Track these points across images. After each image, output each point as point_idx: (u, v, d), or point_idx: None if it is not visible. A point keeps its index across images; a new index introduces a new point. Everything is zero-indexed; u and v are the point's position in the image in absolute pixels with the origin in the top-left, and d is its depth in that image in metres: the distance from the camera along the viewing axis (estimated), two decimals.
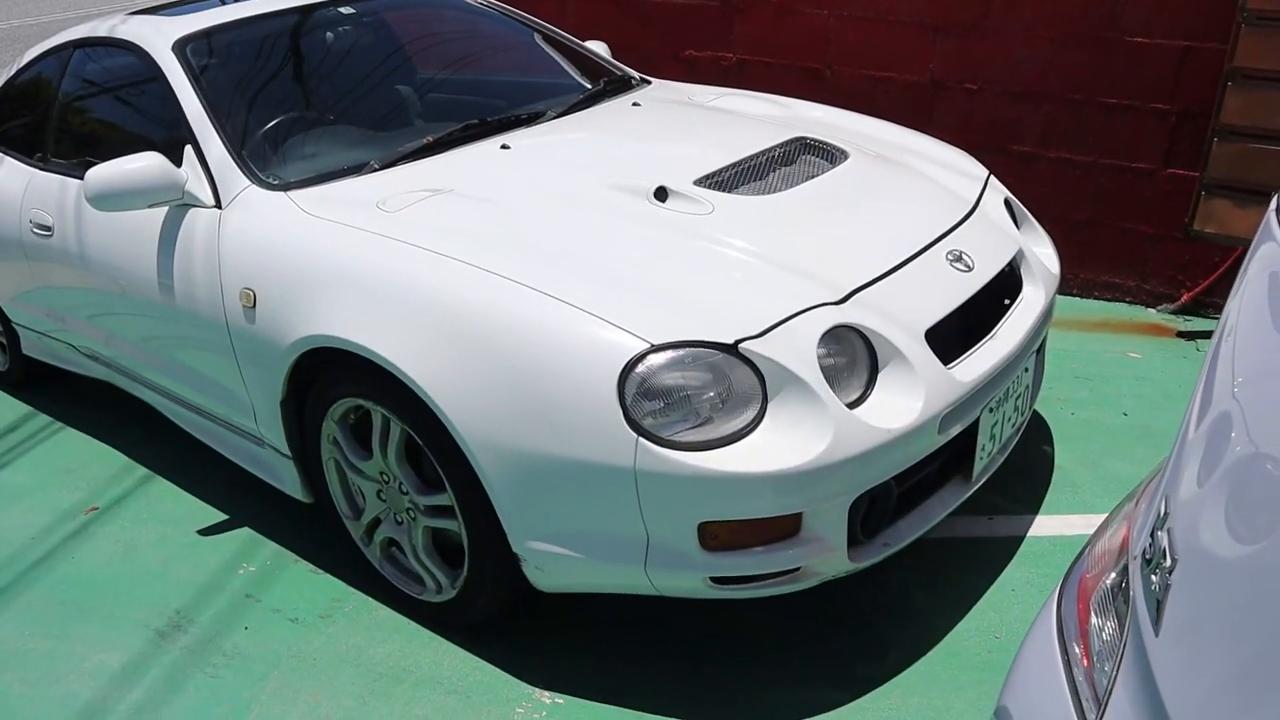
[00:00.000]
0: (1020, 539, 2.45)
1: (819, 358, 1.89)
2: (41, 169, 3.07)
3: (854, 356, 1.95)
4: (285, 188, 2.41)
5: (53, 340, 3.32)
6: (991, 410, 2.15)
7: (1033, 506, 2.56)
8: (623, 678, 2.14)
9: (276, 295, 2.24)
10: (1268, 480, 0.93)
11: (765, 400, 1.85)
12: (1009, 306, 2.28)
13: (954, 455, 2.15)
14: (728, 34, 3.90)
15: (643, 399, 1.81)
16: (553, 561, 1.97)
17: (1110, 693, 1.11)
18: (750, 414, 1.84)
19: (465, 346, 1.92)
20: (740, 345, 1.85)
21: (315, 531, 2.72)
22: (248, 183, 2.44)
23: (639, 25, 4.04)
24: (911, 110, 3.64)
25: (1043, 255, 2.50)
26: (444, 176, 2.40)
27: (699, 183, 2.28)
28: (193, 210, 2.49)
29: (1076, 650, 1.25)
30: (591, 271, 1.98)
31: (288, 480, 2.55)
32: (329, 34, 3.05)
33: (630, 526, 1.87)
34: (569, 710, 2.07)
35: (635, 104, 2.89)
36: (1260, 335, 1.07)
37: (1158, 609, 1.04)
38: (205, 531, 2.79)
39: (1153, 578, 1.08)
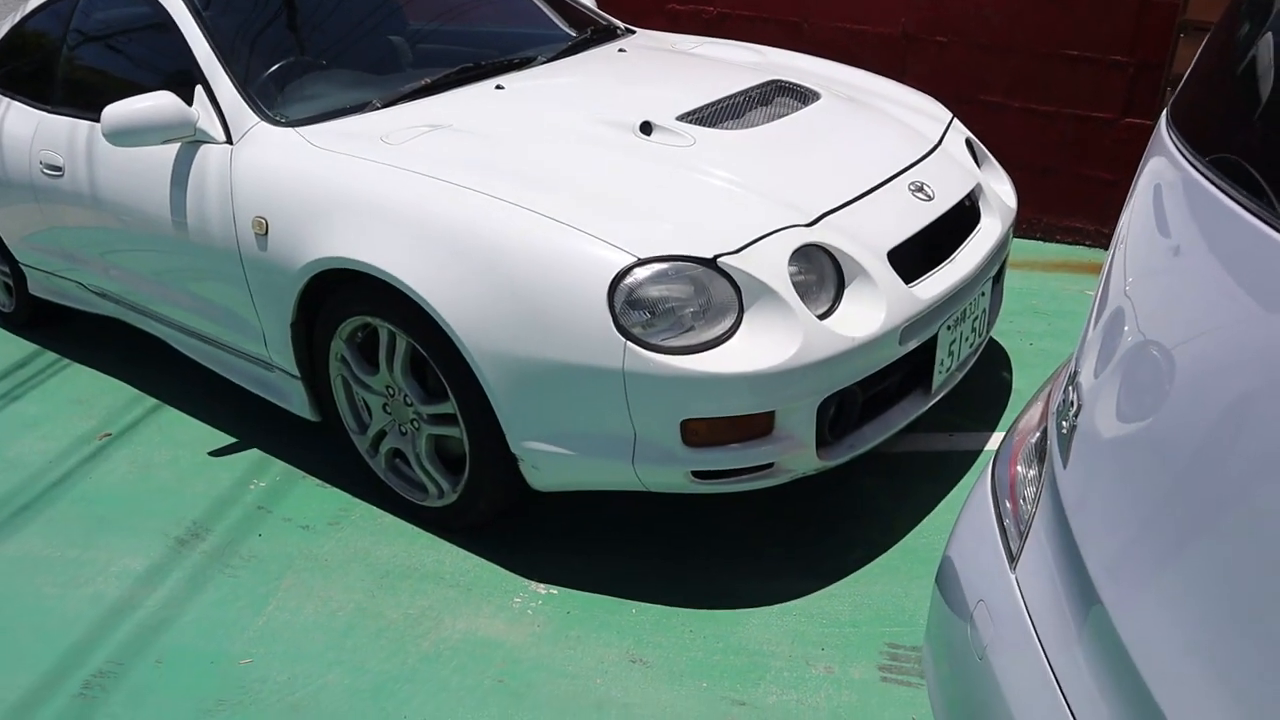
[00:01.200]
0: (978, 452, 2.67)
1: (790, 274, 2.09)
2: (50, 112, 3.21)
3: (822, 273, 2.16)
4: (293, 124, 2.58)
5: (61, 279, 3.48)
6: (949, 328, 2.36)
7: (991, 425, 2.78)
8: (611, 571, 2.36)
9: (288, 223, 2.41)
10: (1153, 363, 1.13)
11: (741, 310, 2.05)
12: (967, 235, 2.48)
13: (915, 370, 2.37)
14: None
15: (630, 308, 2.01)
16: (548, 460, 2.17)
17: (1030, 525, 1.33)
18: (728, 322, 2.04)
19: (468, 263, 2.11)
20: (719, 260, 2.04)
21: (320, 449, 2.91)
22: (257, 120, 2.61)
23: None
24: (885, 62, 3.82)
25: (1000, 191, 2.71)
26: (442, 113, 2.58)
27: (681, 118, 2.47)
28: (204, 146, 2.66)
29: (1007, 505, 1.47)
30: (583, 195, 2.17)
31: (295, 400, 2.73)
32: None
33: (619, 425, 2.07)
34: (561, 599, 2.29)
35: (621, 50, 3.07)
36: (1146, 238, 1.27)
37: (1066, 446, 1.25)
38: (216, 453, 2.98)
39: (1063, 423, 1.29)
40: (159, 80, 2.88)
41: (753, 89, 2.68)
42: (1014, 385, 2.96)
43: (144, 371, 3.48)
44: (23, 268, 3.65)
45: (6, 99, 3.41)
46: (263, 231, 2.47)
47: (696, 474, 2.12)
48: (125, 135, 2.60)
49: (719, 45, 3.21)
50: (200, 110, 2.67)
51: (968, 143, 2.76)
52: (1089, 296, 3.45)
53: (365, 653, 2.19)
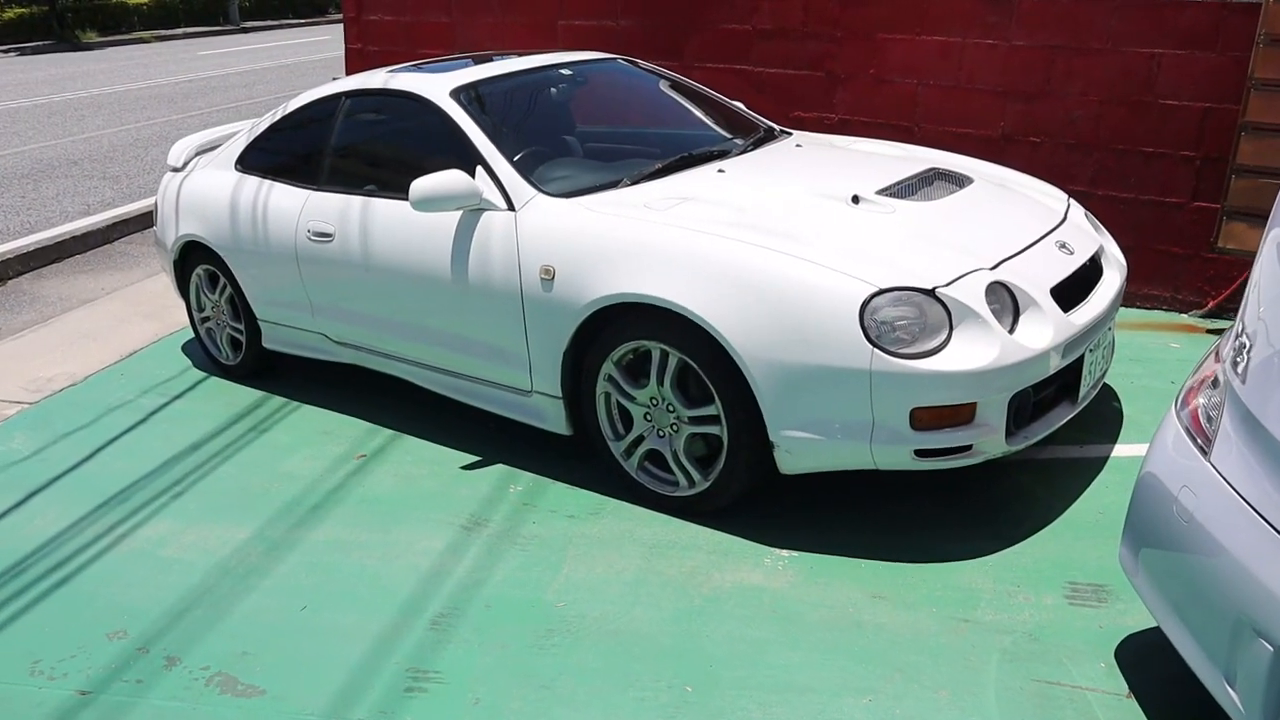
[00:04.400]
0: (1106, 458, 3.48)
1: (986, 302, 2.94)
2: (317, 190, 4.09)
3: (1004, 303, 3.00)
4: (566, 195, 3.46)
5: (303, 332, 4.30)
6: (1091, 351, 3.20)
7: (1112, 439, 3.60)
8: (836, 540, 3.12)
9: (575, 269, 3.25)
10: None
11: (952, 328, 2.88)
12: (1097, 282, 3.35)
13: (1065, 385, 3.19)
14: (830, 98, 5.05)
15: (874, 323, 2.84)
16: (801, 445, 2.97)
17: (1217, 428, 2.14)
18: (942, 337, 2.87)
19: (742, 294, 2.94)
20: (936, 290, 2.89)
21: (558, 460, 3.69)
22: (535, 192, 3.48)
23: (754, 90, 5.18)
24: (986, 159, 4.76)
25: (1114, 251, 3.60)
26: (685, 189, 3.46)
27: (880, 193, 3.36)
28: (487, 213, 3.52)
29: (1190, 425, 2.26)
30: (824, 244, 3.03)
31: (552, 418, 3.53)
32: (553, 89, 4.15)
33: (862, 413, 2.88)
34: (802, 559, 3.05)
35: (798, 145, 4.00)
36: (1272, 280, 2.13)
37: (1244, 373, 2.08)
38: (467, 467, 3.75)
39: (1238, 360, 2.12)
40: (430, 163, 3.74)
41: (920, 173, 3.59)
42: (1125, 412, 3.78)
43: (369, 409, 4.26)
44: (261, 324, 4.47)
45: (267, 182, 4.29)
46: (550, 277, 3.31)
47: (918, 452, 2.91)
48: (428, 203, 3.46)
49: (869, 143, 4.15)
50: (482, 185, 3.54)
51: (1086, 215, 3.66)
52: (1174, 348, 4.33)
53: (658, 596, 2.94)
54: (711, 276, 3.00)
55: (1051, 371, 3.00)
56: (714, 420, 3.12)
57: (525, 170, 3.58)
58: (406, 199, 3.73)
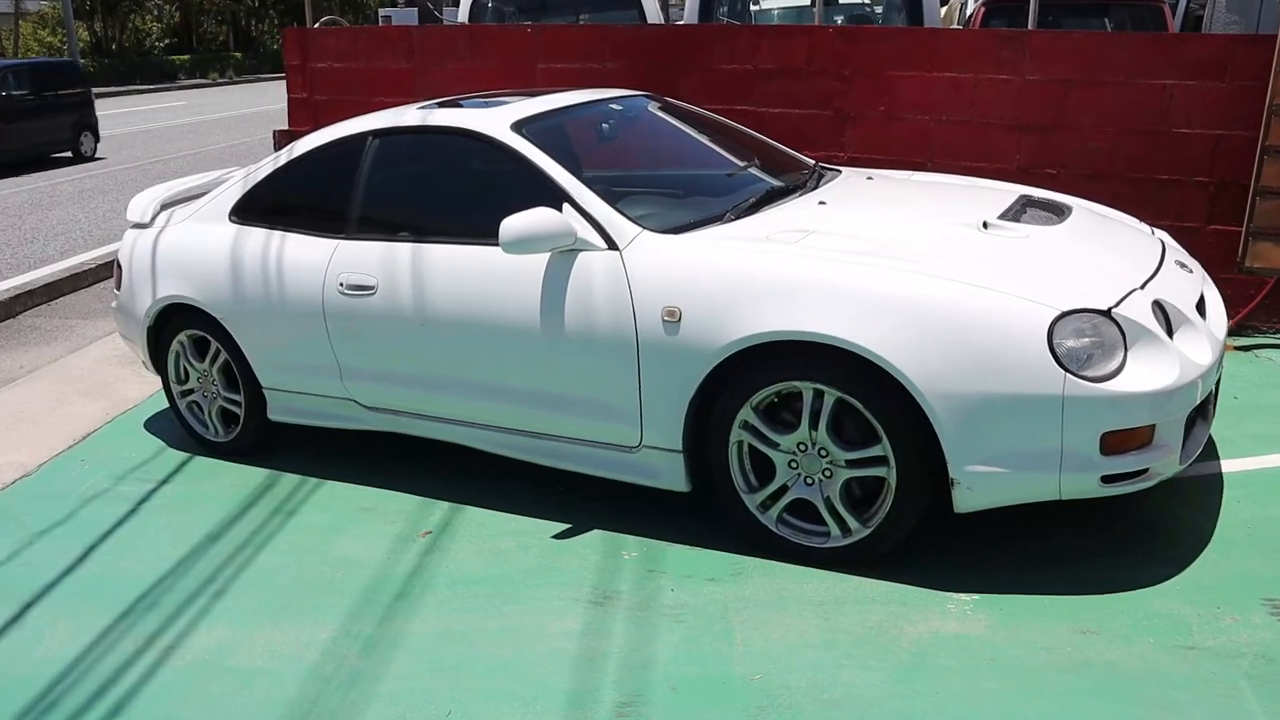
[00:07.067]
0: (1219, 474, 3.55)
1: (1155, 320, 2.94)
2: (348, 239, 3.70)
3: (1161, 322, 3.01)
4: (674, 231, 3.25)
5: (325, 399, 3.86)
6: (1220, 369, 3.26)
7: (1213, 456, 3.68)
8: (1007, 576, 3.01)
9: (706, 309, 3.04)
10: None
11: (1126, 349, 2.85)
12: (1205, 300, 3.43)
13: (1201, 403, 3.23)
14: (840, 137, 5.07)
15: (1061, 347, 2.78)
16: (984, 480, 2.85)
17: None
18: (1119, 358, 2.84)
19: (913, 324, 2.82)
20: (1111, 311, 2.87)
21: (665, 520, 3.42)
22: (638, 229, 3.26)
23: (757, 129, 5.12)
24: None
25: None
26: (798, 221, 3.32)
27: (1001, 218, 3.34)
28: (583, 254, 3.26)
29: None
30: (984, 269, 2.95)
31: (667, 474, 3.27)
32: (604, 124, 3.95)
33: (1050, 442, 2.79)
34: (986, 601, 2.92)
35: (869, 178, 3.95)
36: None
37: None
38: (559, 536, 3.42)
39: None
40: (499, 203, 3.43)
41: (1018, 200, 3.61)
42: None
43: (407, 480, 3.86)
44: (266, 393, 3.99)
45: (277, 233, 3.86)
46: (675, 319, 3.09)
47: (1104, 478, 2.85)
48: (521, 244, 3.18)
49: (929, 175, 4.16)
50: (574, 223, 3.28)
51: (1169, 237, 3.77)
52: None
53: (860, 657, 2.73)
54: (877, 308, 2.87)
55: (1211, 387, 3.02)
56: (878, 462, 2.96)
57: (616, 206, 3.35)
58: (468, 243, 3.45)
